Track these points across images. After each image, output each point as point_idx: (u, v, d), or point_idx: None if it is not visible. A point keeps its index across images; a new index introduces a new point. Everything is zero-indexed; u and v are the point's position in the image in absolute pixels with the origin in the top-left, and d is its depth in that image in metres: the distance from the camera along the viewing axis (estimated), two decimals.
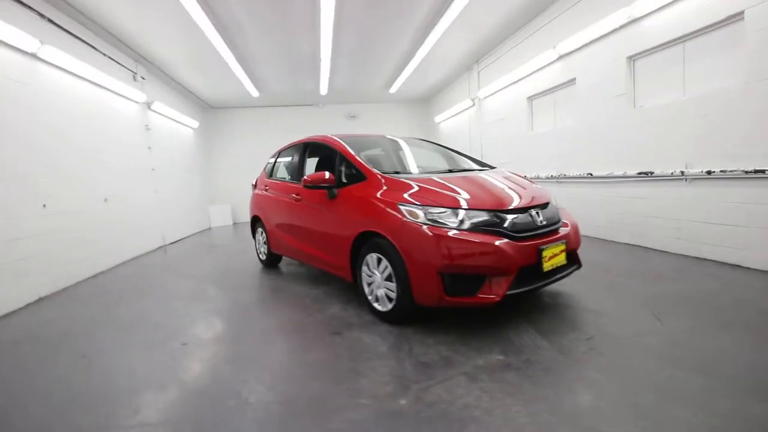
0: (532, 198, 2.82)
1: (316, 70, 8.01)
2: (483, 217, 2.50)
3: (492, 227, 2.48)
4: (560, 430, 1.58)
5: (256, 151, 11.32)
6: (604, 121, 5.03)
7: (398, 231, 2.56)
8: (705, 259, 3.86)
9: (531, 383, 1.93)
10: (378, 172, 3.02)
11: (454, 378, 2.02)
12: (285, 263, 5.17)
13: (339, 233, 3.17)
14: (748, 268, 3.47)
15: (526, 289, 2.49)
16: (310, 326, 2.88)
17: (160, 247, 7.27)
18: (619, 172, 4.79)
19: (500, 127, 7.71)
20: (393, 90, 10.04)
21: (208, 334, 2.90)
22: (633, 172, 4.59)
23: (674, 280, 3.37)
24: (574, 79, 5.50)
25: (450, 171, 3.37)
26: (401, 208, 2.60)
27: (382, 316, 2.85)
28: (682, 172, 3.98)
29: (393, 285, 2.67)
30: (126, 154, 6.28)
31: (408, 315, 2.67)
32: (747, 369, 1.92)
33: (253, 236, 5.38)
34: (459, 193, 2.66)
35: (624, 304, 2.92)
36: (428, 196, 2.63)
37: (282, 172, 4.67)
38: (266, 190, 4.75)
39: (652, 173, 4.35)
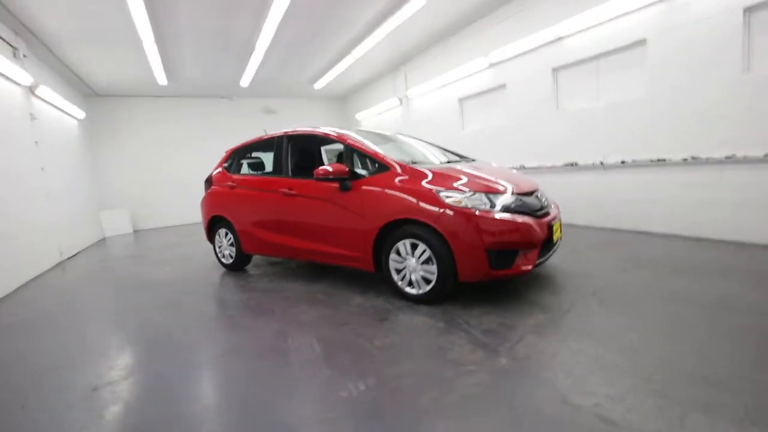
0: (532, 183, 3.31)
1: (245, 58, 7.47)
2: (510, 200, 2.86)
3: (517, 208, 2.85)
4: (644, 358, 1.99)
5: (159, 147, 10.02)
6: (533, 121, 5.96)
7: (441, 216, 2.74)
8: (622, 230, 4.97)
9: (584, 329, 2.35)
10: (400, 162, 3.14)
11: (525, 337, 2.32)
12: (251, 265, 4.82)
13: (358, 225, 3.19)
14: (653, 233, 4.61)
15: (545, 258, 2.94)
16: (349, 317, 2.86)
17: (59, 264, 5.94)
18: (548, 164, 5.76)
19: (430, 125, 8.34)
20: (319, 86, 9.92)
21: (238, 339, 2.64)
22: (560, 163, 5.58)
23: (613, 246, 4.28)
24: (505, 84, 6.35)
25: (449, 162, 3.67)
26: (441, 194, 2.80)
27: (415, 299, 3.00)
28: (601, 162, 5.04)
29: (433, 267, 2.85)
30: (9, 150, 4.98)
31: (446, 294, 2.88)
32: (703, 296, 2.68)
33: (211, 239, 4.86)
34: (484, 180, 2.98)
35: (595, 265, 3.62)
36: (460, 184, 2.88)
37: (256, 167, 4.36)
38: (233, 187, 4.37)
39: (576, 164, 5.36)
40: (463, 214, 2.71)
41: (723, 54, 3.80)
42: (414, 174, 3.03)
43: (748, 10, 3.60)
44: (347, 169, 3.23)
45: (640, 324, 2.38)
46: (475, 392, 1.82)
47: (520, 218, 2.77)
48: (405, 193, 2.95)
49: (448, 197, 2.78)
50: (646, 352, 2.04)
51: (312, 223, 3.58)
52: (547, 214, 3.14)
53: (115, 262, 5.88)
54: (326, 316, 2.93)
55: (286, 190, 3.76)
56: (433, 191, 2.83)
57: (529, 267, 2.76)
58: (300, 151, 4.05)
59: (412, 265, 2.96)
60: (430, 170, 3.06)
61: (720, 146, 3.91)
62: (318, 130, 3.81)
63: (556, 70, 5.55)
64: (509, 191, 2.92)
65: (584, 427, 1.54)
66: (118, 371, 2.29)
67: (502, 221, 2.69)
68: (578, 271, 3.50)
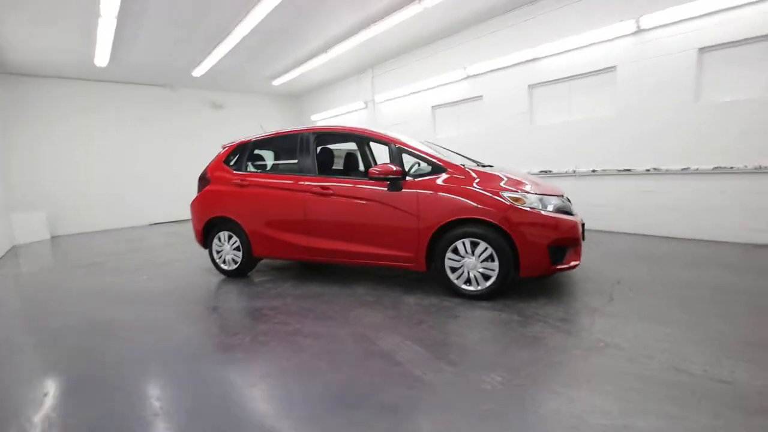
0: (558, 187, 3.68)
1: (210, 45, 6.84)
2: (557, 201, 3.16)
3: (563, 209, 3.17)
4: (706, 332, 2.38)
5: (85, 139, 8.66)
6: (509, 131, 6.52)
7: (507, 215, 2.93)
8: (591, 230, 5.68)
9: (639, 313, 2.71)
10: (453, 163, 3.26)
11: (596, 322, 2.60)
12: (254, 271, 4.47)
13: (411, 225, 3.21)
14: (619, 232, 5.39)
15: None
16: (419, 316, 2.87)
17: None
18: (524, 171, 6.33)
19: (400, 130, 8.53)
20: (278, 83, 9.49)
21: (321, 344, 2.49)
22: (535, 170, 6.19)
23: (596, 244, 4.90)
24: (482, 96, 6.84)
25: (483, 166, 3.87)
26: (505, 195, 2.98)
27: (471, 296, 3.12)
28: (574, 171, 5.73)
29: (493, 264, 3.01)
30: None
31: (504, 290, 3.07)
32: (707, 282, 3.27)
33: (205, 244, 4.38)
34: (531, 182, 3.24)
35: (592, 260, 4.10)
36: (514, 185, 3.10)
37: (272, 164, 4.07)
38: (243, 186, 4.03)
39: (550, 171, 6.01)
40: (528, 213, 2.93)
41: (680, 84, 4.65)
42: (469, 175, 3.17)
43: (701, 50, 4.47)
44: (401, 170, 3.25)
45: (678, 305, 2.83)
46: (601, 371, 2.01)
47: (568, 217, 3.08)
48: (465, 192, 3.07)
49: (512, 197, 2.97)
50: (704, 328, 2.45)
51: (354, 223, 3.49)
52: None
53: (65, 273, 4.93)
54: (393, 317, 2.91)
55: (320, 190, 3.61)
56: (497, 191, 3.01)
57: (578, 262, 3.08)
58: (330, 149, 3.92)
59: (472, 263, 3.08)
60: (479, 172, 3.23)
61: (677, 160, 4.77)
62: (359, 128, 3.76)
63: (531, 87, 6.17)
64: (555, 193, 3.22)
65: (707, 388, 1.83)
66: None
67: (560, 220, 2.97)
68: (582, 266, 3.95)
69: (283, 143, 4.08)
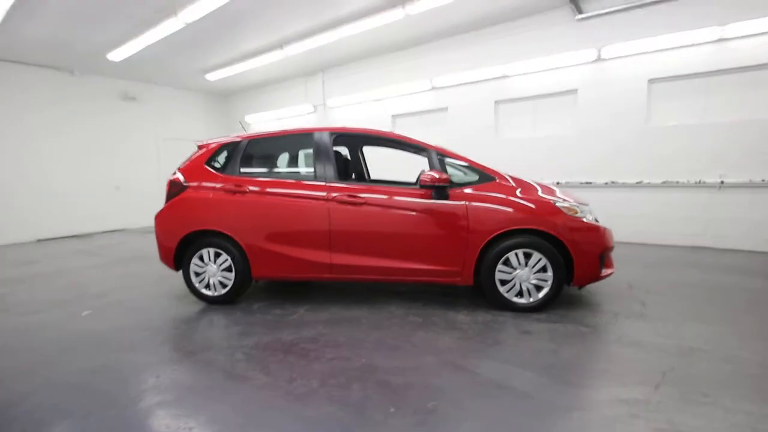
0: None
1: (144, 25, 5.66)
2: (590, 210, 3.27)
3: (595, 219, 3.29)
4: (742, 324, 2.65)
5: None
6: (474, 144, 6.69)
7: (564, 225, 2.90)
8: None
9: (680, 314, 2.91)
10: (501, 173, 3.15)
11: (658, 328, 2.70)
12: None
13: (460, 237, 3.00)
14: None
15: None
16: (489, 336, 2.66)
17: None
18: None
19: None
20: (213, 78, 8.35)
21: (417, 380, 2.10)
22: None
23: None
24: (447, 107, 6.95)
25: None
26: (558, 205, 2.96)
27: (522, 309, 3.02)
28: None
29: (547, 275, 2.96)
30: None
31: (554, 300, 3.04)
32: (700, 282, 3.71)
33: (177, 266, 3.50)
34: (565, 192, 3.30)
35: None
36: (552, 194, 3.13)
37: (287, 169, 3.45)
38: (239, 192, 3.32)
39: None
40: (581, 223, 2.96)
41: (633, 108, 5.33)
42: (511, 185, 3.10)
43: (651, 81, 5.20)
44: (449, 178, 3.02)
45: (700, 303, 3.15)
46: (714, 375, 2.07)
47: (605, 226, 3.20)
48: (516, 202, 2.98)
49: (565, 207, 2.97)
50: (746, 324, 2.72)
51: (392, 236, 3.12)
52: None
53: None
54: (463, 339, 2.64)
55: (347, 198, 3.16)
56: (550, 202, 2.98)
57: (614, 270, 3.21)
58: (351, 153, 3.47)
59: (525, 275, 2.99)
60: (517, 180, 3.18)
61: (631, 175, 5.44)
62: (389, 132, 3.42)
63: (498, 103, 6.48)
64: (585, 203, 3.33)
65: None
66: None
67: (604, 228, 3.06)
68: None
69: (292, 143, 3.51)
